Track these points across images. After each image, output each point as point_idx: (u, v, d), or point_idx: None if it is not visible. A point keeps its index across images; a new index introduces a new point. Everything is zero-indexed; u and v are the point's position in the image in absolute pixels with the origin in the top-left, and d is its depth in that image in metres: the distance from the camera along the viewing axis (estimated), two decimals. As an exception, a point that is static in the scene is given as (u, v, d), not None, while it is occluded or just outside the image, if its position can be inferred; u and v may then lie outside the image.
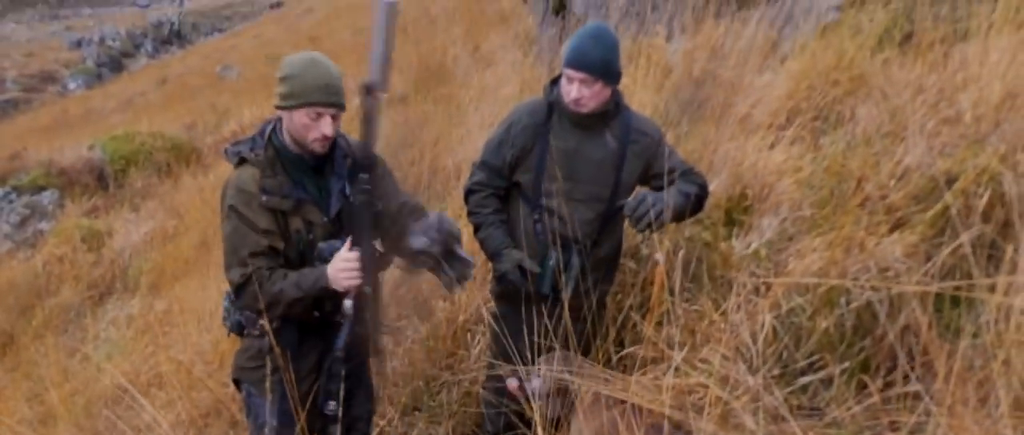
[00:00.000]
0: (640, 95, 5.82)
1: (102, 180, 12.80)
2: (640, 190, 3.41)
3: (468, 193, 3.58)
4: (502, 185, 3.52)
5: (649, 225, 3.16)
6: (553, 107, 3.42)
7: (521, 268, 3.38)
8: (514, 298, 3.43)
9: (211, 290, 6.24)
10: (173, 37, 43.21)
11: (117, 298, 8.77)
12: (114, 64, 36.91)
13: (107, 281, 9.32)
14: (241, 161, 2.96)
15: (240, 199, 2.88)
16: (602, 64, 3.25)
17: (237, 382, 3.24)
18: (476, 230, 3.55)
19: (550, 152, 3.39)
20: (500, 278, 3.48)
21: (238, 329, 3.11)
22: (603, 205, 3.42)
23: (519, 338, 3.30)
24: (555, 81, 3.46)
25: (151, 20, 44.76)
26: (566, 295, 3.31)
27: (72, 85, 33.50)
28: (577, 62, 3.25)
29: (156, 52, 40.38)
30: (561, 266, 3.40)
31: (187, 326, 5.67)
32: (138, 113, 19.74)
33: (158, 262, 8.88)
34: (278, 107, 2.93)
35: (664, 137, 3.58)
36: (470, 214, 3.57)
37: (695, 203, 3.38)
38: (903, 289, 2.94)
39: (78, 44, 39.65)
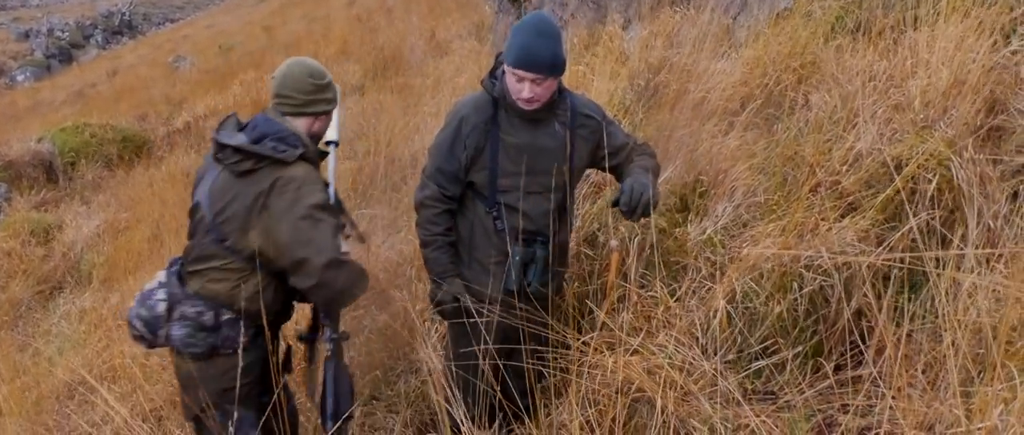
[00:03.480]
0: (597, 83, 5.82)
1: (51, 173, 12.55)
2: (626, 182, 3.31)
3: (419, 206, 3.41)
4: (456, 194, 3.37)
5: (644, 213, 3.18)
6: (499, 101, 3.29)
7: (457, 301, 3.34)
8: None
9: (164, 283, 6.14)
10: (124, 27, 42.42)
11: (69, 292, 8.60)
12: (63, 55, 36.14)
13: (58, 275, 9.14)
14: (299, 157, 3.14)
15: (323, 194, 3.14)
16: (552, 60, 3.10)
17: (201, 412, 3.11)
18: (423, 246, 3.43)
19: (503, 147, 3.30)
20: (433, 301, 3.43)
21: (210, 353, 3.09)
22: (559, 194, 3.32)
23: (477, 338, 3.26)
24: (493, 73, 3.33)
25: (101, 10, 43.82)
26: (533, 290, 3.30)
27: (20, 77, 32.73)
28: (527, 62, 3.07)
29: (107, 43, 39.59)
30: (528, 261, 3.35)
31: (141, 319, 5.57)
32: (89, 105, 19.33)
33: (110, 255, 8.72)
34: (325, 112, 3.33)
35: (606, 115, 3.53)
36: (419, 227, 3.44)
37: (656, 174, 3.38)
38: (857, 260, 2.99)
39: (26, 35, 38.70)
